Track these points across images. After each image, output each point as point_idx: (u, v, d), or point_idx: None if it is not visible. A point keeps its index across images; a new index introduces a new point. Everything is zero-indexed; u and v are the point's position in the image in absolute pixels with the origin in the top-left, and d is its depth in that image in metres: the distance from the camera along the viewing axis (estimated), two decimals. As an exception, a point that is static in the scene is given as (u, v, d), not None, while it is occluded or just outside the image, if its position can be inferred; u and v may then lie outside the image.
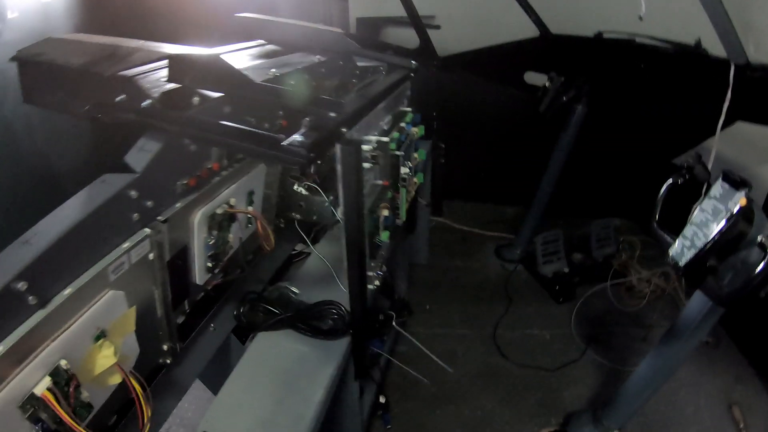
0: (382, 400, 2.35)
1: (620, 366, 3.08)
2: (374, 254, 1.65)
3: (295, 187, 2.03)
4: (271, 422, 1.39)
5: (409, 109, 2.08)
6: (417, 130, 2.05)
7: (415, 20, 3.81)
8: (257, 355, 1.60)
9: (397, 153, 1.73)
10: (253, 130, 1.20)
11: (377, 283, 1.68)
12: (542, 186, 3.71)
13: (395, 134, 1.72)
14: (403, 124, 1.87)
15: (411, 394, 2.72)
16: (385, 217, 1.67)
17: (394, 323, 2.30)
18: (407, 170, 1.81)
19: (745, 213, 1.50)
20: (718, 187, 1.60)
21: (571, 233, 3.95)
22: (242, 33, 2.09)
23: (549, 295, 3.67)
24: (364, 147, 1.49)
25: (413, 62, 2.22)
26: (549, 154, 3.64)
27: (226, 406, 1.44)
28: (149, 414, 1.20)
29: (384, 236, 1.68)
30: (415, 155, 2.06)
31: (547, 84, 3.36)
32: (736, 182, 1.56)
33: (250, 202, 1.75)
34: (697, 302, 1.85)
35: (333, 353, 1.59)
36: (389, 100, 1.86)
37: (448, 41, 4.04)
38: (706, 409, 2.90)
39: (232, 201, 1.62)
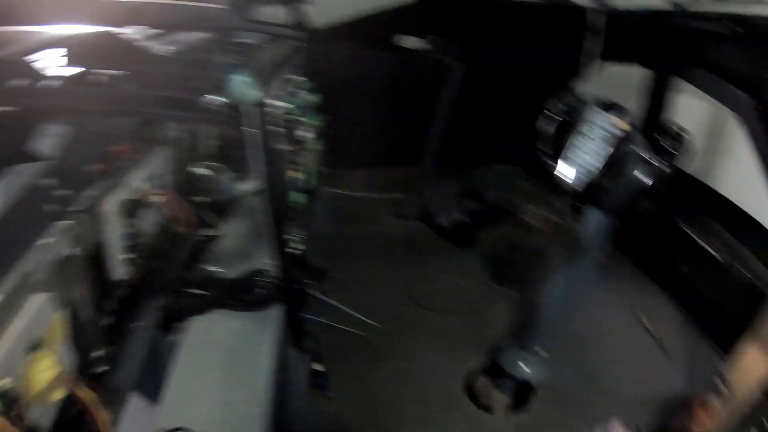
0: (319, 368, 2.33)
1: (533, 297, 3.25)
2: (293, 218, 1.63)
3: (195, 168, 1.95)
4: (229, 401, 1.36)
5: (303, 78, 2.07)
6: (312, 98, 2.05)
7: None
8: (196, 341, 1.54)
9: (298, 118, 1.72)
10: (173, 95, 1.14)
11: (301, 247, 1.66)
12: (429, 142, 3.80)
13: (293, 99, 1.70)
14: (299, 91, 1.86)
15: (344, 359, 2.71)
16: (297, 179, 1.65)
17: (313, 291, 2.30)
18: (308, 135, 1.81)
19: (628, 135, 1.67)
20: (595, 113, 1.76)
21: (463, 183, 4.11)
22: (115, 18, 1.93)
23: (452, 244, 3.82)
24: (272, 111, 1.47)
25: (302, 33, 2.20)
26: (432, 112, 3.73)
27: (179, 398, 1.38)
28: (107, 420, 1.11)
29: (300, 198, 1.66)
30: (313, 122, 2.06)
31: (424, 46, 3.43)
32: (610, 106, 1.74)
33: (159, 187, 1.67)
34: (593, 219, 2.02)
35: (270, 321, 1.58)
36: (285, 69, 1.84)
37: (321, 15, 3.98)
38: (616, 319, 3.20)
39: (143, 186, 1.53)
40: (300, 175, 1.67)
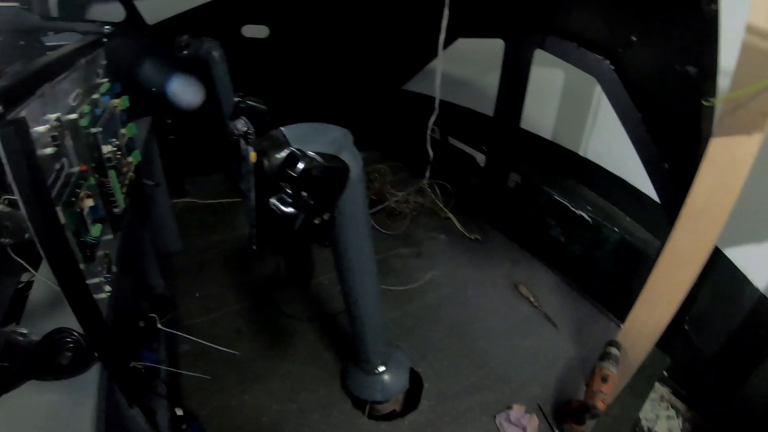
0: (179, 412, 2.03)
1: (404, 286, 3.17)
2: (91, 256, 1.32)
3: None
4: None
5: (105, 79, 1.74)
6: (119, 102, 1.74)
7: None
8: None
9: (93, 130, 1.41)
10: None
11: (108, 289, 1.36)
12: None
13: (86, 108, 1.39)
14: (96, 97, 1.54)
15: (215, 390, 2.45)
16: (91, 207, 1.33)
17: (159, 325, 2.01)
18: (112, 149, 1.50)
19: (258, 168, 1.29)
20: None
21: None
22: None
23: (313, 242, 3.53)
24: (39, 128, 1.16)
25: (106, 27, 1.87)
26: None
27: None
28: None
29: (95, 231, 1.35)
30: (123, 131, 1.75)
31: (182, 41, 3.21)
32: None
33: None
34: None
35: (87, 388, 1.26)
36: (76, 72, 1.51)
37: (162, 9, 3.57)
38: (496, 296, 3.15)
39: None
40: (92, 202, 1.32)
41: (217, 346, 2.14)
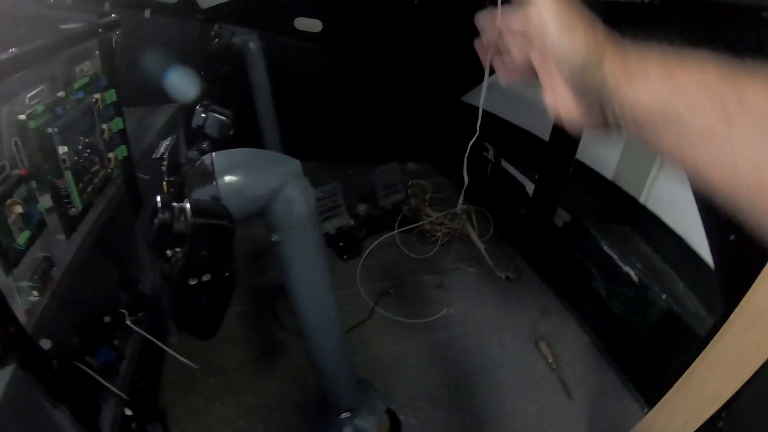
0: (128, 412, 2.00)
1: (414, 319, 2.98)
2: (15, 262, 1.27)
3: None
4: None
5: (89, 73, 1.71)
6: (99, 97, 1.71)
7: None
8: None
9: (49, 131, 1.39)
10: None
11: (36, 295, 1.33)
12: (265, 134, 3.56)
13: (39, 108, 1.36)
14: (63, 95, 1.51)
15: (189, 390, 2.43)
16: (21, 214, 1.29)
17: (128, 322, 1.99)
18: (66, 150, 1.46)
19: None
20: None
21: (354, 183, 3.79)
22: None
23: (334, 253, 3.46)
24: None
25: (113, 15, 1.84)
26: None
27: None
28: None
29: (22, 239, 1.30)
30: (104, 126, 1.73)
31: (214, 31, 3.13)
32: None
33: None
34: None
35: None
36: (42, 68, 1.48)
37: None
38: (513, 348, 2.86)
39: None
40: (21, 209, 1.29)
41: (176, 354, 2.10)
